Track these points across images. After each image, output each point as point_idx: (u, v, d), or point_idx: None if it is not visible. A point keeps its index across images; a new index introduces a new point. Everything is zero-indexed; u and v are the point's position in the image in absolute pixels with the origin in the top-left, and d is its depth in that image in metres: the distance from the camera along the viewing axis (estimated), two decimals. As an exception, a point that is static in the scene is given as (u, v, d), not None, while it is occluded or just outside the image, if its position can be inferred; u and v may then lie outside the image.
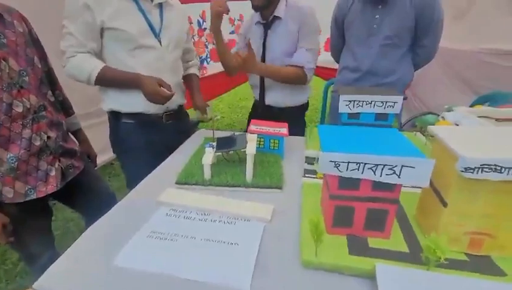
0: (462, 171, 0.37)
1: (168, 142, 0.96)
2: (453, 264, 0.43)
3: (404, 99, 0.79)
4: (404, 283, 0.40)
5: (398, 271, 0.42)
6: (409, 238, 0.49)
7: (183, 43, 1.05)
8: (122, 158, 1.06)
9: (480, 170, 0.36)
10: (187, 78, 1.17)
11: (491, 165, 0.36)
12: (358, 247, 0.48)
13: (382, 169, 0.42)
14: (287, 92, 1.20)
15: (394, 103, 0.81)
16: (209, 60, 3.01)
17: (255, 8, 1.11)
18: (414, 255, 0.45)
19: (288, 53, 1.13)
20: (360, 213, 0.48)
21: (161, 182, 0.71)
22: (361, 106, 0.83)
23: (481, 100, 1.52)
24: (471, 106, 1.56)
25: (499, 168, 0.36)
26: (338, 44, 1.32)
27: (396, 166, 0.41)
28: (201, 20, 2.85)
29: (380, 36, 1.11)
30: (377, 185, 0.45)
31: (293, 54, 1.12)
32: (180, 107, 1.09)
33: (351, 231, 0.50)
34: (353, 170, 0.43)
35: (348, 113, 0.86)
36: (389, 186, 0.44)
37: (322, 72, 2.44)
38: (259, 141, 0.87)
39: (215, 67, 2.98)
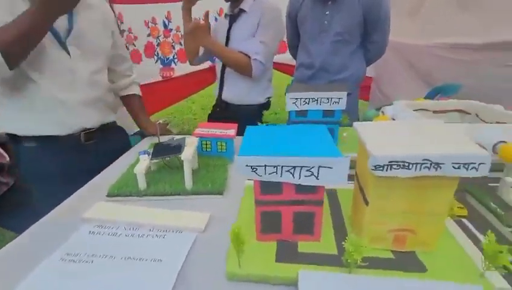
0: (373, 169, 0.36)
1: (93, 165, 0.79)
2: (378, 263, 0.42)
3: (348, 94, 0.79)
4: (327, 288, 0.38)
5: (321, 276, 0.40)
6: (339, 239, 0.48)
7: (106, 52, 0.91)
8: (31, 189, 0.85)
9: (389, 167, 0.35)
10: (127, 100, 1.05)
11: (399, 162, 0.35)
12: (287, 253, 0.45)
13: (300, 171, 0.40)
14: (243, 88, 1.18)
15: (339, 99, 0.80)
16: (176, 60, 2.93)
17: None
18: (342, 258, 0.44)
19: None
20: (287, 218, 0.46)
21: (91, 197, 0.65)
22: (308, 104, 0.82)
23: (433, 92, 1.59)
24: (424, 98, 1.63)
25: (406, 164, 0.35)
26: (293, 40, 1.31)
27: (313, 167, 0.39)
28: (166, 21, 2.75)
29: (331, 32, 1.12)
30: (300, 188, 0.43)
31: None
32: (106, 125, 0.93)
33: (281, 236, 0.47)
34: (271, 173, 0.41)
35: (296, 111, 0.84)
36: (312, 188, 0.42)
37: (288, 69, 2.44)
38: (206, 144, 0.83)
39: (182, 69, 2.90)
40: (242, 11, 1.13)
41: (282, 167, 0.40)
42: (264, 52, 1.09)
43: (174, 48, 2.88)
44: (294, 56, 1.36)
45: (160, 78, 2.88)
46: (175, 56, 2.91)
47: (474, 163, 0.34)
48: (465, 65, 1.76)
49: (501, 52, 1.32)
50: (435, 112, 0.73)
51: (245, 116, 1.01)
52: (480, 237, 0.48)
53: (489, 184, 0.59)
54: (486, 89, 1.48)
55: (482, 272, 0.39)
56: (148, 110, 1.09)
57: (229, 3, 1.17)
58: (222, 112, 1.23)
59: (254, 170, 0.41)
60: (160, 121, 0.83)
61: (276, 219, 0.46)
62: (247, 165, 0.40)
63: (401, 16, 2.17)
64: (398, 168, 0.35)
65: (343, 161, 0.38)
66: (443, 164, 0.34)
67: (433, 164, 0.34)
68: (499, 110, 0.64)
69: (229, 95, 1.21)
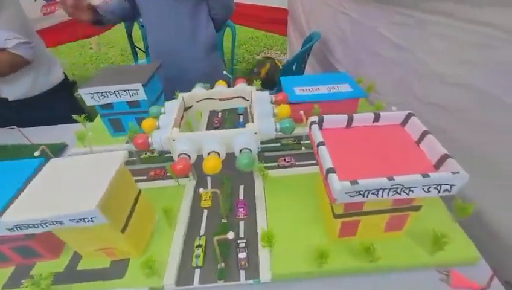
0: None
1: None
2: (92, 275, 0.51)
3: (143, 86, 0.76)
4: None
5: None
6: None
7: None
8: None
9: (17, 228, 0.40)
10: None
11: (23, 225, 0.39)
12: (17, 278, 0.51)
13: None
14: (25, 82, 1.02)
15: (136, 90, 0.78)
16: None
17: None
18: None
19: None
20: (9, 252, 0.50)
21: None
22: (107, 97, 0.79)
23: (309, 39, 1.58)
24: (304, 42, 1.61)
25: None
26: None
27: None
28: None
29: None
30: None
31: None
32: None
33: (14, 263, 0.53)
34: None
35: (101, 105, 0.81)
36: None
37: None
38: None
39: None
40: None
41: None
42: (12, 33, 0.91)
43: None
44: None
45: (40, 16, 2.42)
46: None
47: (87, 217, 0.39)
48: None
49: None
50: (220, 100, 0.75)
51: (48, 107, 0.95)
52: (203, 230, 0.59)
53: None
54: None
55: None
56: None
57: None
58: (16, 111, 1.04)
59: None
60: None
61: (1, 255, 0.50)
62: None
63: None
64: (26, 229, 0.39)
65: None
66: (61, 220, 0.39)
67: (55, 222, 0.39)
68: (264, 98, 0.69)
69: (13, 94, 1.03)
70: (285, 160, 0.74)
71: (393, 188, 0.38)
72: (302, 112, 0.72)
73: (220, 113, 0.97)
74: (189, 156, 0.55)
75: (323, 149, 0.44)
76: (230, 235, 0.45)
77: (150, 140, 0.59)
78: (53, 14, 2.51)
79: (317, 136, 0.47)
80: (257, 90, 0.71)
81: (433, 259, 0.49)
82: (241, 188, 0.68)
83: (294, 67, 1.46)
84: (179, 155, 0.54)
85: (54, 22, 2.54)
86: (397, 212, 0.47)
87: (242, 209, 0.61)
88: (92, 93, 0.77)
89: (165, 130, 0.59)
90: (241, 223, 0.59)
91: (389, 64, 0.79)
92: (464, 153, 0.61)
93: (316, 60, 1.61)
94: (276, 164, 0.74)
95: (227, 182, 0.67)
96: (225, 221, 0.59)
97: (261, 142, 0.77)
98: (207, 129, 0.91)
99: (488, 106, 0.50)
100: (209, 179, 0.71)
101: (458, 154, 0.62)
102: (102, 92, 0.77)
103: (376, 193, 0.39)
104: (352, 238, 0.52)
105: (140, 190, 0.54)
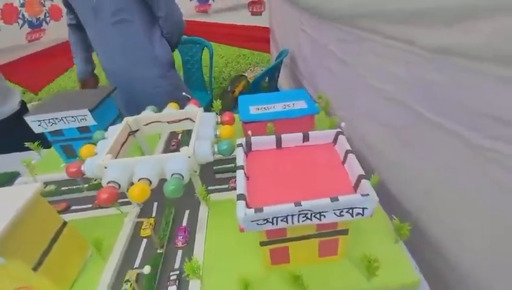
0: None
1: None
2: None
3: (90, 111, 0.75)
4: None
5: None
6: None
7: None
8: None
9: None
10: None
11: None
12: None
13: None
14: None
15: (84, 116, 0.77)
16: (48, 19, 2.49)
17: None
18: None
19: None
20: None
21: None
22: (56, 124, 0.77)
23: (279, 56, 1.61)
24: (276, 59, 1.64)
25: None
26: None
27: None
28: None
29: (106, 12, 0.98)
30: None
31: None
32: None
33: None
34: None
35: (50, 132, 0.79)
36: None
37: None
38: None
39: (56, 27, 2.50)
40: None
41: None
42: None
43: (44, 5, 2.43)
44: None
45: (25, 42, 2.47)
46: (47, 14, 2.48)
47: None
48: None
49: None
50: (169, 122, 0.74)
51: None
52: (138, 262, 0.56)
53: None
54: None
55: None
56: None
57: None
58: None
59: None
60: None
61: None
62: None
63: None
64: None
65: None
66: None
67: None
68: (208, 119, 0.68)
69: None
70: (234, 182, 0.72)
71: (302, 214, 0.36)
72: (250, 132, 0.71)
73: (180, 135, 0.96)
74: (119, 184, 0.53)
75: (239, 173, 0.43)
76: (146, 269, 0.43)
77: (83, 168, 0.57)
78: (38, 41, 2.57)
79: (239, 158, 0.46)
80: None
81: (371, 285, 0.47)
82: (186, 213, 0.65)
83: (266, 83, 1.47)
84: (107, 183, 0.53)
85: (39, 48, 2.59)
86: (324, 237, 0.44)
87: (181, 237, 0.58)
88: (39, 120, 0.76)
89: (101, 156, 0.57)
90: (179, 253, 0.56)
91: (338, 80, 0.79)
92: (400, 171, 0.60)
93: (290, 76, 1.63)
94: (227, 186, 0.72)
95: (169, 208, 0.64)
96: (160, 251, 0.56)
97: (213, 165, 0.77)
98: (164, 152, 0.89)
99: (412, 120, 0.49)
100: (155, 205, 0.69)
101: (393, 172, 0.60)
102: (49, 119, 0.76)
103: (285, 219, 0.37)
104: (287, 266, 0.49)
105: (65, 222, 0.52)
